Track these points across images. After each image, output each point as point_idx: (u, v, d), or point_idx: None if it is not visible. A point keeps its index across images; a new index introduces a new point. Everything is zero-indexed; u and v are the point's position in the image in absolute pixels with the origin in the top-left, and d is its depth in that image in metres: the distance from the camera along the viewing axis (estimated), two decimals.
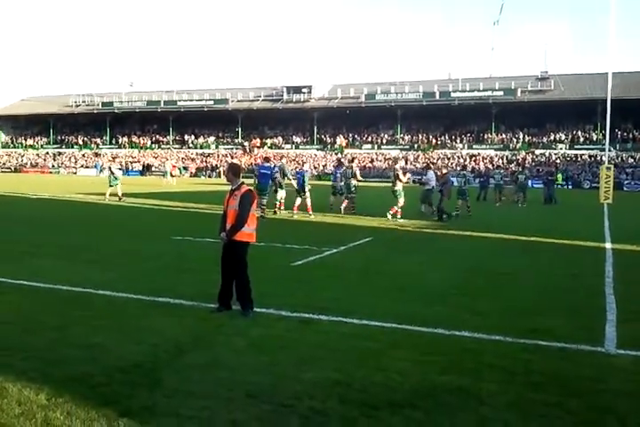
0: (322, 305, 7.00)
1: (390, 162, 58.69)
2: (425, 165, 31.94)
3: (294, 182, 19.59)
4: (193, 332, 5.92)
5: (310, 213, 18.55)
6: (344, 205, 19.98)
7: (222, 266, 6.80)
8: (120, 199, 23.42)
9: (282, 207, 19.54)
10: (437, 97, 65.57)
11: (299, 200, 19.01)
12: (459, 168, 45.03)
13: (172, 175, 42.47)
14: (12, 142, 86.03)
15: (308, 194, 18.87)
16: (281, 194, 19.49)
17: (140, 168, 69.55)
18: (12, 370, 4.68)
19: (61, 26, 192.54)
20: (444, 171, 21.10)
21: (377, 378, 4.70)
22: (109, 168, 25.55)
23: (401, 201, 18.25)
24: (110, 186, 24.03)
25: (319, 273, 9.33)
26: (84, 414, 3.92)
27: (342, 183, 20.61)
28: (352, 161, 22.34)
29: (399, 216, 17.94)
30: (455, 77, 69.00)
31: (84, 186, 38.15)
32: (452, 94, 65.11)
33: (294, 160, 66.57)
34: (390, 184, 19.56)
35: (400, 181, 18.65)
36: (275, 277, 8.78)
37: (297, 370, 4.84)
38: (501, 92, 63.09)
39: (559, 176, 30.80)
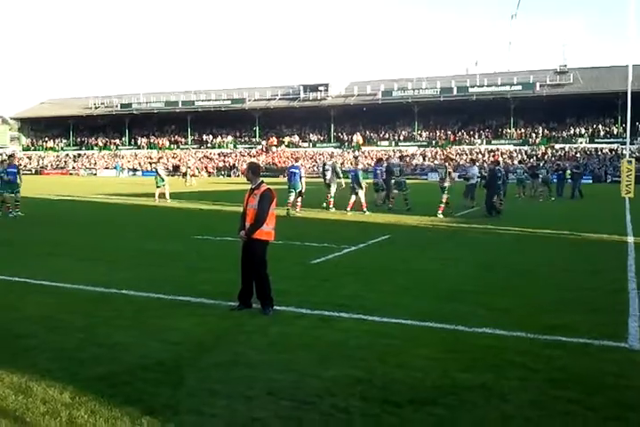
0: (341, 303, 7.01)
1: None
2: (470, 160, 32.18)
3: (342, 181, 19.99)
4: (214, 330, 5.96)
5: (365, 210, 18.72)
6: (391, 201, 20.77)
7: (242, 265, 6.83)
8: (167, 200, 23.60)
9: (331, 205, 19.87)
10: (455, 92, 65.17)
11: (353, 198, 19.15)
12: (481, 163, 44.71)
13: (192, 175, 42.79)
14: (33, 145, 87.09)
15: (362, 192, 19.03)
16: (332, 190, 19.91)
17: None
18: (37, 369, 4.75)
19: (80, 29, 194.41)
20: (493, 165, 21.26)
21: (398, 375, 4.70)
22: (155, 170, 25.90)
23: (445, 197, 18.45)
24: (157, 187, 24.32)
25: (338, 271, 9.34)
26: (108, 412, 3.97)
27: (381, 180, 21.25)
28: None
29: (440, 212, 18.19)
30: (473, 72, 68.57)
31: (105, 187, 38.49)
32: (470, 89, 64.67)
33: (311, 158, 66.67)
34: (438, 180, 19.85)
35: (451, 177, 19.00)
36: (294, 275, 8.80)
37: (318, 368, 4.86)
38: (520, 87, 62.54)
39: (567, 172, 30.66)
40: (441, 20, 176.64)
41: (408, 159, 55.84)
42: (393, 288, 8.03)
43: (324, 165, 21.05)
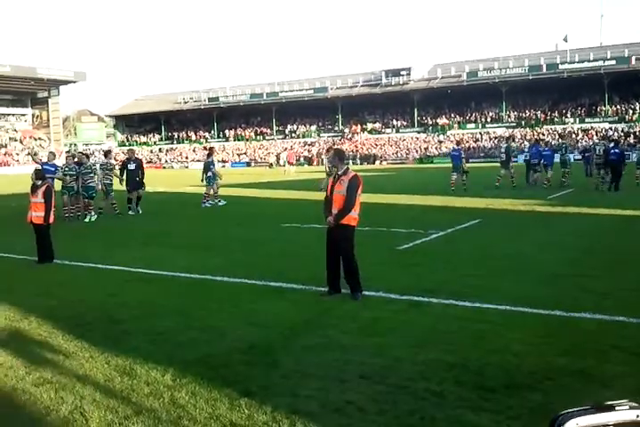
0: (431, 288, 6.93)
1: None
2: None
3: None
4: (305, 315, 6.05)
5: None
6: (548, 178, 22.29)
7: (328, 250, 6.87)
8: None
9: (498, 184, 22.07)
10: (544, 70, 62.42)
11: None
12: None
13: (289, 164, 43.76)
14: (128, 140, 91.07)
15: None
16: (503, 171, 22.39)
17: (247, 160, 71.64)
18: (140, 352, 4.99)
19: (168, 27, 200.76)
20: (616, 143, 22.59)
21: (492, 360, 4.60)
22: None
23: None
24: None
25: (426, 256, 9.23)
26: (208, 394, 4.12)
27: (537, 160, 22.74)
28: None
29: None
30: (562, 48, 65.43)
31: (196, 179, 39.68)
32: (561, 66, 61.75)
33: (395, 144, 66.07)
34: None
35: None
36: (381, 261, 8.77)
37: (409, 352, 4.83)
38: (614, 61, 59.06)
39: None
40: None
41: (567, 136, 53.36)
42: (485, 273, 7.85)
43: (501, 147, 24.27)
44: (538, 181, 22.68)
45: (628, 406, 0.44)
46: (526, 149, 24.11)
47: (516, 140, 24.96)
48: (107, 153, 17.64)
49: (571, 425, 0.43)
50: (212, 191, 18.60)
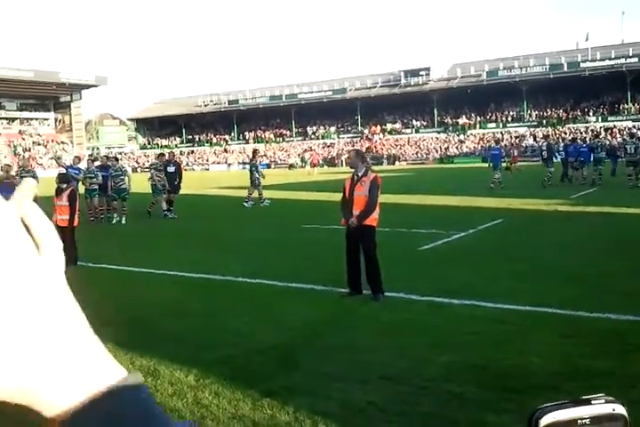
0: (452, 289, 6.90)
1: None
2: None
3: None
4: (326, 316, 6.07)
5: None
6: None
7: (348, 251, 6.88)
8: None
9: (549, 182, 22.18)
10: (565, 69, 61.82)
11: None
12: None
13: (312, 165, 43.94)
14: (149, 143, 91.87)
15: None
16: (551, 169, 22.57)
17: (267, 162, 71.90)
18: (164, 353, 5.04)
19: (185, 33, 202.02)
20: None
21: (515, 361, 4.57)
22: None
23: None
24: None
25: (447, 257, 9.19)
26: (230, 394, 4.15)
27: (575, 158, 22.86)
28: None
29: None
30: (584, 46, 64.68)
31: (219, 180, 39.90)
32: (582, 64, 61.07)
33: (413, 145, 65.83)
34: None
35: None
36: (402, 262, 8.75)
37: (431, 353, 4.82)
38: (636, 59, 58.21)
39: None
40: None
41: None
42: (507, 274, 7.79)
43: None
44: (579, 179, 22.89)
45: (604, 400, 0.45)
46: (561, 148, 24.16)
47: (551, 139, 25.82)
48: (159, 155, 17.94)
49: (548, 419, 0.44)
50: (255, 193, 19.09)
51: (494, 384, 4.16)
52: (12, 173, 14.51)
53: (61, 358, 0.39)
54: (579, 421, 0.44)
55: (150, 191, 16.85)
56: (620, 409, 0.47)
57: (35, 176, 15.03)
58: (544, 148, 23.74)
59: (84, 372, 0.40)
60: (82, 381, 0.39)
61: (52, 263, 0.42)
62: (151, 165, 18.07)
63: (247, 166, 24.65)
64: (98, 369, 0.40)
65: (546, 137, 27.23)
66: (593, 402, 0.45)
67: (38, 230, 0.42)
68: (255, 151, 20.01)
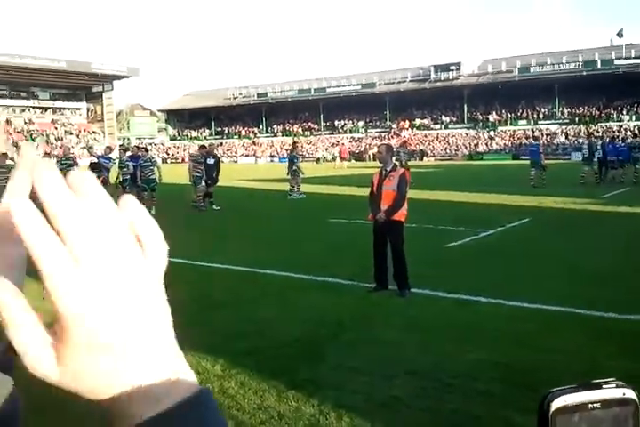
0: (479, 287, 6.89)
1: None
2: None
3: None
4: (352, 310, 6.11)
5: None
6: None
7: (375, 246, 6.91)
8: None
9: (582, 181, 21.90)
10: (599, 66, 60.73)
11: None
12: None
13: (342, 159, 44.07)
14: (179, 135, 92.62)
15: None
16: (588, 169, 22.40)
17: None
18: (192, 343, 5.11)
19: (215, 26, 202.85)
20: None
21: (540, 360, 4.56)
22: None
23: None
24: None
25: (474, 255, 9.15)
26: (256, 385, 4.22)
27: (614, 157, 22.60)
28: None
29: None
30: (618, 44, 63.43)
31: (246, 172, 40.08)
32: (616, 62, 59.92)
33: (441, 141, 65.31)
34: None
35: None
36: (428, 258, 8.73)
37: (456, 350, 4.84)
38: None
39: None
40: None
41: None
42: (534, 273, 7.75)
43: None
44: (617, 178, 22.74)
45: (614, 385, 0.48)
46: (599, 147, 23.79)
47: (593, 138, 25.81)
48: (201, 147, 18.15)
49: (559, 402, 0.47)
50: (296, 184, 19.48)
51: (519, 382, 4.16)
52: (7, 161, 14.31)
53: (155, 366, 0.39)
54: (589, 405, 0.47)
55: (190, 183, 17.12)
56: (630, 394, 0.50)
57: (75, 164, 15.47)
58: (585, 146, 23.44)
59: (170, 380, 0.39)
60: (166, 389, 0.39)
61: (156, 268, 0.41)
62: (191, 156, 18.31)
63: (286, 158, 25.05)
64: (180, 378, 0.40)
65: (588, 135, 26.95)
66: (604, 386, 0.48)
67: (146, 233, 0.41)
68: (295, 143, 20.38)
